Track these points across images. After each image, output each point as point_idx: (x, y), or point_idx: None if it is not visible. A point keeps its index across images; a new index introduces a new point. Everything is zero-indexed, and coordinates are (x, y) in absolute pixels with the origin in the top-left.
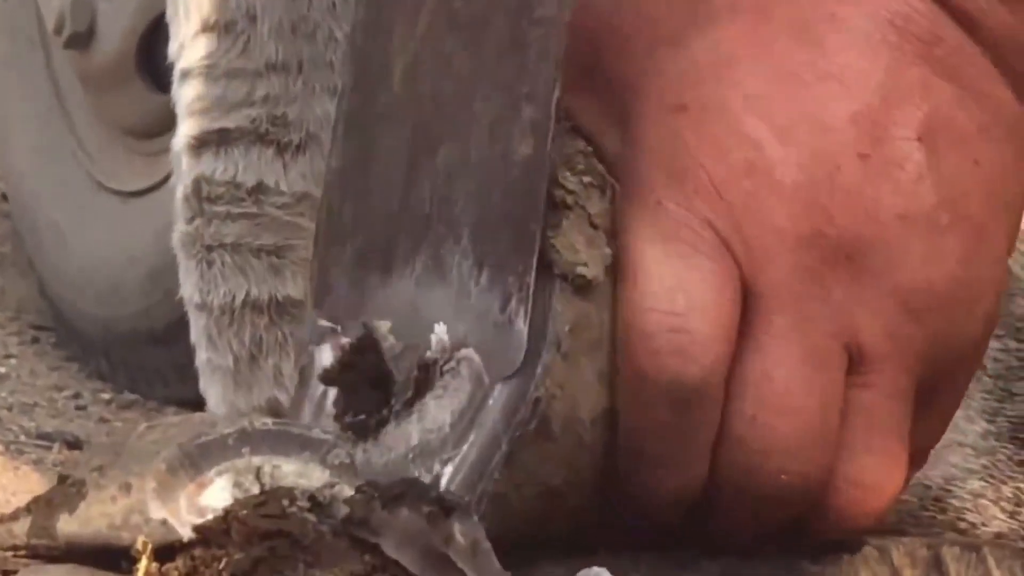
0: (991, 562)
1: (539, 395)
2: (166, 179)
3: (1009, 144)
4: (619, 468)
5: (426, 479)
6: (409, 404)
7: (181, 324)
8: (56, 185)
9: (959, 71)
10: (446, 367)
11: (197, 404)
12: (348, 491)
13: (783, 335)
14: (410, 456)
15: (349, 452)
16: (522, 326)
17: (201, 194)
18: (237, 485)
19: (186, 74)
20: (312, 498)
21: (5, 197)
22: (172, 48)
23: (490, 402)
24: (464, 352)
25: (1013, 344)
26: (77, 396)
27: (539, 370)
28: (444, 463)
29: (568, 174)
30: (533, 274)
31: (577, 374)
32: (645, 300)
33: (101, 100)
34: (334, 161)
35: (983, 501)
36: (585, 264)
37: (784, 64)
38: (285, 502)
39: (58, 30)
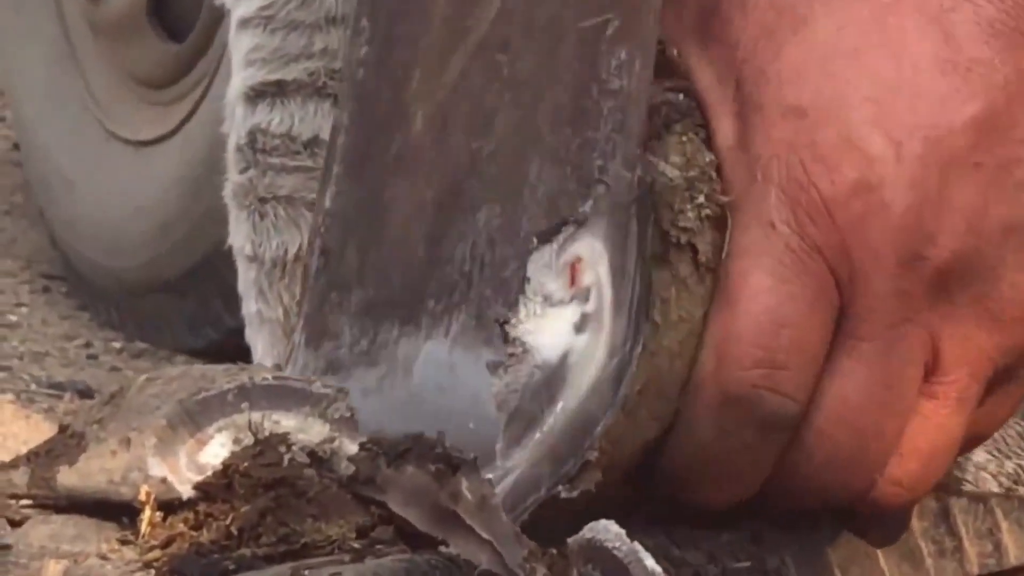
0: (999, 514)
1: (590, 458)
2: (177, 128)
3: None
4: (670, 475)
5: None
6: None
7: (191, 274)
8: (67, 134)
9: None
10: None
11: (207, 354)
12: (349, 445)
13: (866, 361)
14: None
15: (349, 406)
16: None
17: (256, 145)
18: (236, 441)
19: (244, 23)
20: (312, 454)
21: (16, 146)
22: None
23: (537, 435)
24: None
25: None
26: (88, 345)
27: (598, 430)
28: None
29: (687, 208)
30: None
31: (633, 426)
32: (747, 330)
33: (112, 49)
34: (330, 202)
35: (984, 474)
36: (672, 336)
37: (909, 57)
38: (282, 448)
39: None
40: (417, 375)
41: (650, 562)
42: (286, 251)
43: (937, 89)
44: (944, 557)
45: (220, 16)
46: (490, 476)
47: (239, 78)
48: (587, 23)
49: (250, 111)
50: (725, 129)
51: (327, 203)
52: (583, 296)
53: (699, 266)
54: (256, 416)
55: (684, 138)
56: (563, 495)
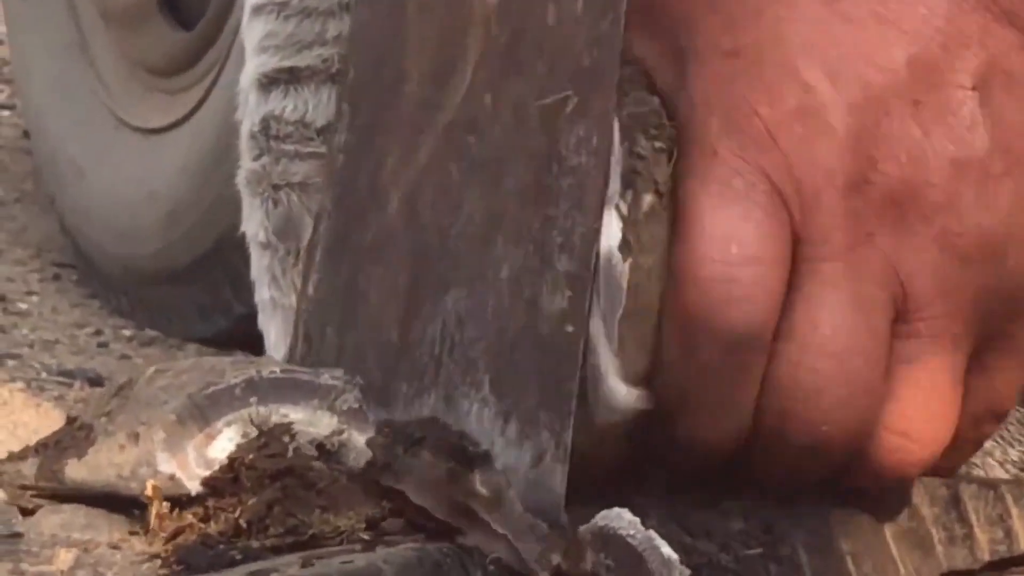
0: (1009, 500)
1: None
2: (187, 116)
3: None
4: (662, 414)
5: None
6: None
7: (201, 262)
8: (77, 122)
9: (1020, 18)
10: None
11: (217, 341)
12: (358, 437)
13: (830, 282)
14: None
15: (357, 397)
16: (558, 483)
17: (269, 132)
18: (245, 435)
19: (257, 10)
20: (320, 446)
21: (26, 134)
22: None
23: None
24: None
25: None
26: (99, 333)
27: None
28: None
29: (642, 138)
30: (570, 432)
31: (622, 354)
32: (698, 249)
33: (122, 37)
34: (312, 289)
35: (991, 460)
36: (645, 258)
37: (842, 6)
38: (286, 439)
39: None
40: None
41: (666, 550)
42: (299, 238)
43: (870, 34)
44: (954, 544)
45: (230, 4)
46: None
47: (252, 65)
48: (547, 101)
49: (263, 98)
50: (664, 76)
51: (310, 290)
52: None
53: (661, 196)
54: (264, 410)
55: (628, 87)
56: None
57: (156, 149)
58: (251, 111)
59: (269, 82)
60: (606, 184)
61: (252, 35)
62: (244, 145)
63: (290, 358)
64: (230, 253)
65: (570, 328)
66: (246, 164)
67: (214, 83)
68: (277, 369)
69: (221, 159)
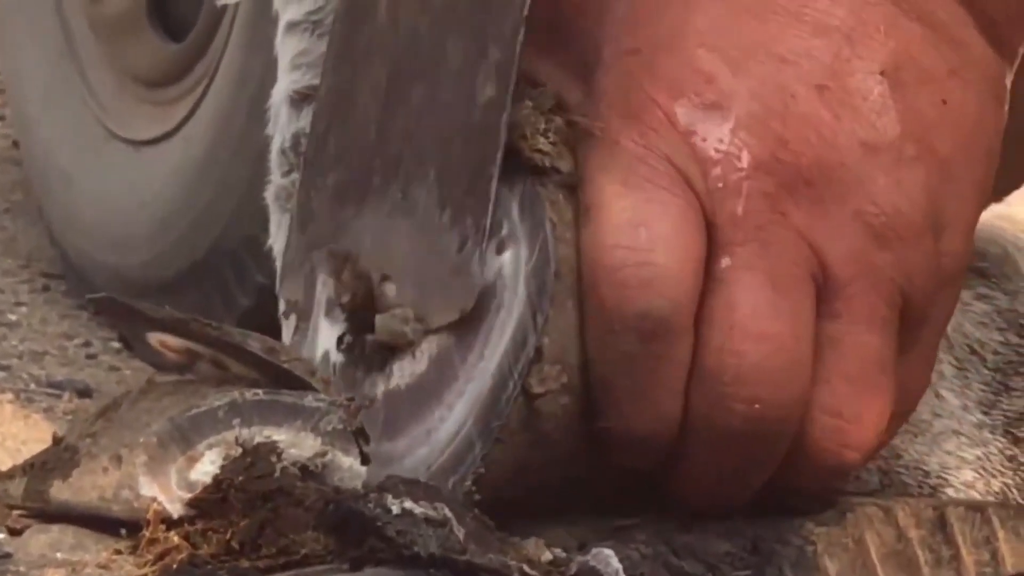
0: (995, 522)
1: (541, 344)
2: (177, 127)
3: (980, 88)
4: (593, 408)
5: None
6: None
7: (190, 273)
8: (67, 133)
9: (929, 13)
10: None
11: None
12: (342, 458)
13: (746, 264)
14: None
15: (341, 418)
16: (476, 269)
17: (300, 149)
18: (227, 458)
19: (292, 27)
20: (304, 468)
21: (16, 144)
22: None
23: (487, 349)
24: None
25: (1015, 339)
26: (87, 344)
27: (540, 320)
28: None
29: (541, 139)
30: (489, 218)
31: (563, 319)
32: (607, 236)
33: (112, 48)
34: (322, 90)
35: (974, 492)
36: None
37: (743, 2)
38: (272, 458)
39: None
40: (362, 249)
41: None
42: None
43: (770, 27)
44: (941, 566)
45: (220, 16)
46: None
47: (285, 82)
48: None
49: (295, 115)
50: (573, 94)
51: (320, 91)
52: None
53: (565, 187)
54: (247, 432)
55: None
56: (525, 373)
57: (146, 160)
58: (282, 127)
59: (301, 99)
60: None
61: (286, 52)
62: (274, 161)
63: (305, 155)
64: (219, 264)
65: (494, 116)
66: (275, 179)
67: (204, 94)
68: (260, 392)
69: (211, 171)
